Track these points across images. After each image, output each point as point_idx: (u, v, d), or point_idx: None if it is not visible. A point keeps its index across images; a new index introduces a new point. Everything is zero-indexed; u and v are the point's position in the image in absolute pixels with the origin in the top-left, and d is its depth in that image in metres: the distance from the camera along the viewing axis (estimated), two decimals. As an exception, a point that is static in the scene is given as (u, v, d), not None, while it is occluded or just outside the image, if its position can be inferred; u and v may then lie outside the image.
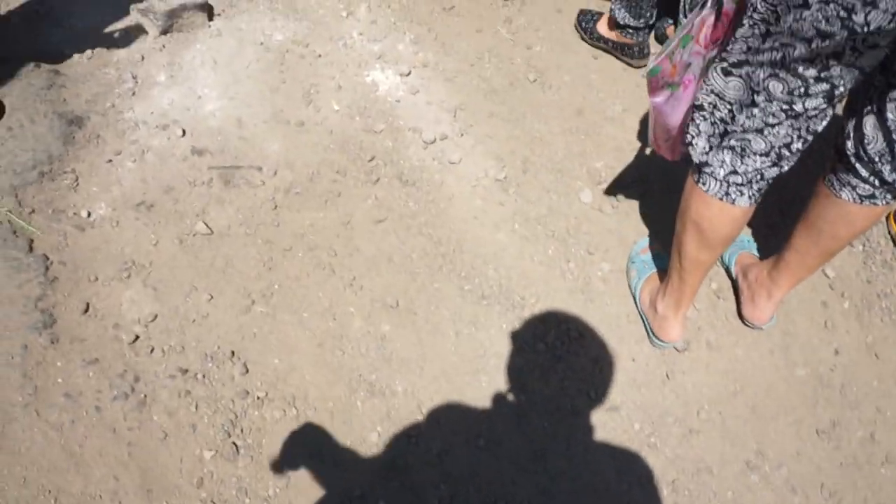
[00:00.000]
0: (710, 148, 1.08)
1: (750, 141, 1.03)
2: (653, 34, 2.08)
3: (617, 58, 2.01)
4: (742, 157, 1.06)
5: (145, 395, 1.42)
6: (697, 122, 1.07)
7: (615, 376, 1.50)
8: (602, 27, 1.99)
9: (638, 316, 1.55)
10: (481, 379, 1.46)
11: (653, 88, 1.11)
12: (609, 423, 1.45)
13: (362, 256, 1.60)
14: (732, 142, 1.05)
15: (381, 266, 1.59)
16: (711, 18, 0.94)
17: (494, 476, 1.36)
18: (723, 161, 1.08)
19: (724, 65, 0.97)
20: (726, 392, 1.51)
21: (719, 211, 1.15)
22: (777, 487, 1.41)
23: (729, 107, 1.00)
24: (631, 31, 1.90)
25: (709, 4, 0.94)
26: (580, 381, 1.49)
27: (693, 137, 1.09)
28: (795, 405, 1.49)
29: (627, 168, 1.78)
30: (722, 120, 1.03)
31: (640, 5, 1.82)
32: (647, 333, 1.50)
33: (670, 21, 2.07)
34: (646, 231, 1.69)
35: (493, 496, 1.34)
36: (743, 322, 1.56)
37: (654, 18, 1.90)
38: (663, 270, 1.48)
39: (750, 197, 1.12)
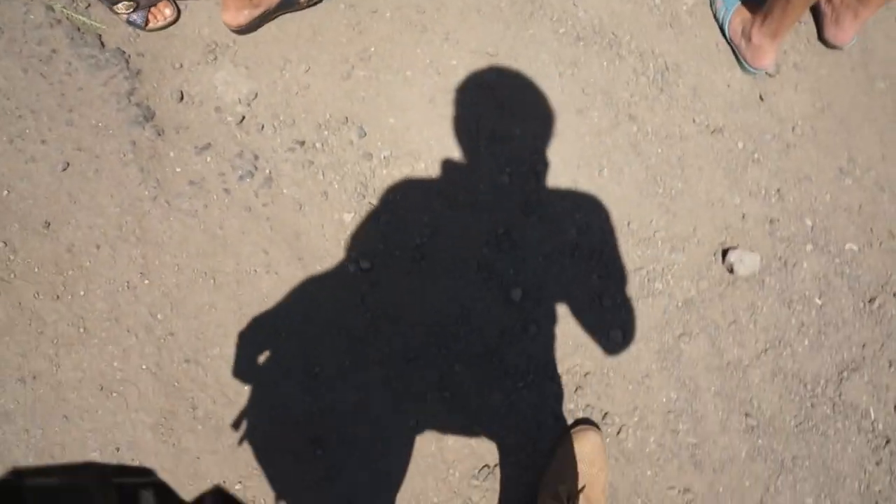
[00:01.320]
0: None
1: None
2: None
3: None
4: None
5: (269, 171, 1.70)
6: None
7: (714, 101, 1.86)
8: None
9: (727, 45, 1.90)
10: (592, 115, 1.80)
11: None
12: (716, 145, 1.83)
13: (450, 11, 1.82)
14: None
15: (471, 19, 1.83)
16: None
17: (619, 200, 1.74)
18: None
19: None
20: (815, 108, 1.90)
21: None
22: (868, 188, 1.84)
23: None
24: None
25: None
26: (683, 108, 1.84)
27: None
28: (877, 115, 1.90)
29: None
30: None
31: None
32: (739, 61, 1.85)
33: None
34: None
35: (622, 218, 1.73)
36: (825, 44, 1.92)
37: None
38: (748, 1, 1.80)
39: None
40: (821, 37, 1.90)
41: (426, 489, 1.55)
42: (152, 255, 1.61)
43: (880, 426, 1.65)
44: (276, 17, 1.69)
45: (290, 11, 1.68)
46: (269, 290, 1.62)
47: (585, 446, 1.48)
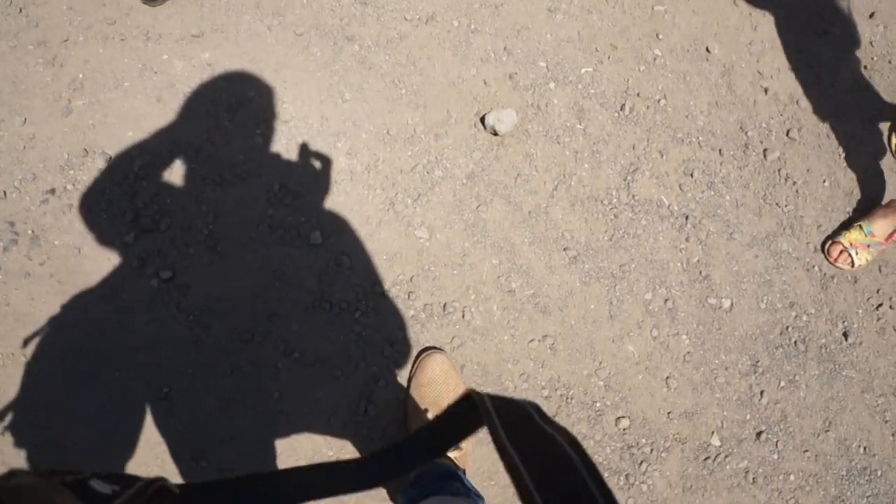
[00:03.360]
0: None
1: None
2: None
3: None
4: None
5: (31, 231, 2.04)
6: None
7: None
8: None
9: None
10: (313, 51, 2.37)
11: None
12: (434, 31, 2.40)
13: (139, 11, 2.29)
14: None
15: (164, 10, 2.29)
16: None
17: (371, 114, 2.31)
18: None
19: None
20: None
21: None
22: (578, 15, 2.53)
23: None
24: None
25: None
26: (392, 11, 2.42)
27: None
28: None
29: None
30: None
31: None
32: None
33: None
34: None
35: (380, 128, 2.34)
36: None
37: None
38: None
39: None
40: None
41: (318, 446, 2.01)
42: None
43: (675, 207, 2.38)
44: None
45: None
46: (85, 342, 2.00)
47: (435, 370, 1.83)
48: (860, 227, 2.15)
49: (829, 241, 2.23)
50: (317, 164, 2.18)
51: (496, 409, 0.50)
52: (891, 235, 2.11)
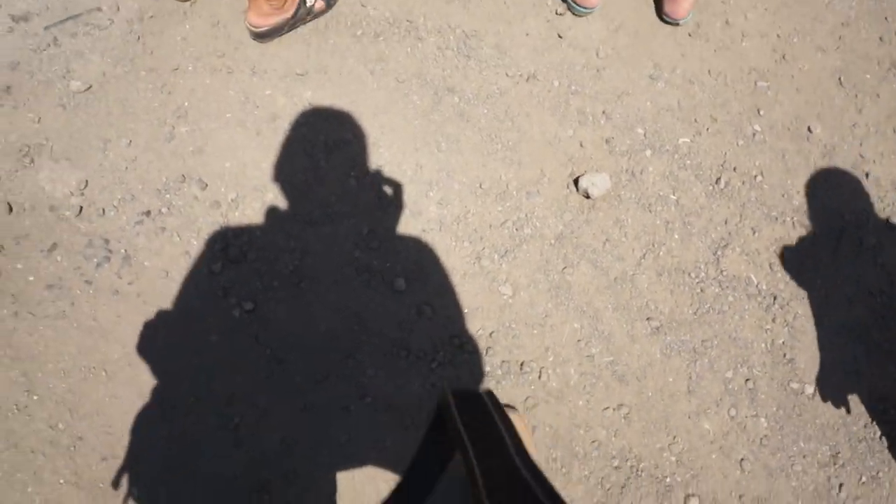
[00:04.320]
0: None
1: None
2: None
3: None
4: None
5: (125, 250, 2.11)
6: None
7: (519, 52, 2.54)
8: None
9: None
10: (413, 99, 2.41)
11: None
12: (534, 90, 2.50)
13: (249, 47, 2.34)
14: None
15: (272, 48, 2.35)
16: None
17: (465, 167, 2.26)
18: None
19: None
20: (609, 30, 2.53)
21: None
22: (679, 85, 2.46)
23: None
24: None
25: None
26: (493, 67, 2.46)
27: None
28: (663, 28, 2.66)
29: None
30: None
31: None
32: (569, 4, 2.49)
33: None
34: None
35: (474, 182, 2.34)
36: (661, 19, 2.63)
37: None
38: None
39: None
40: (659, 13, 2.55)
41: (381, 492, 1.95)
42: (33, 370, 1.95)
43: (764, 286, 2.30)
44: (293, 29, 2.27)
45: (306, 21, 2.26)
46: (162, 363, 1.99)
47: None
48: None
49: None
50: (407, 211, 2.17)
51: (455, 401, 0.60)
52: None
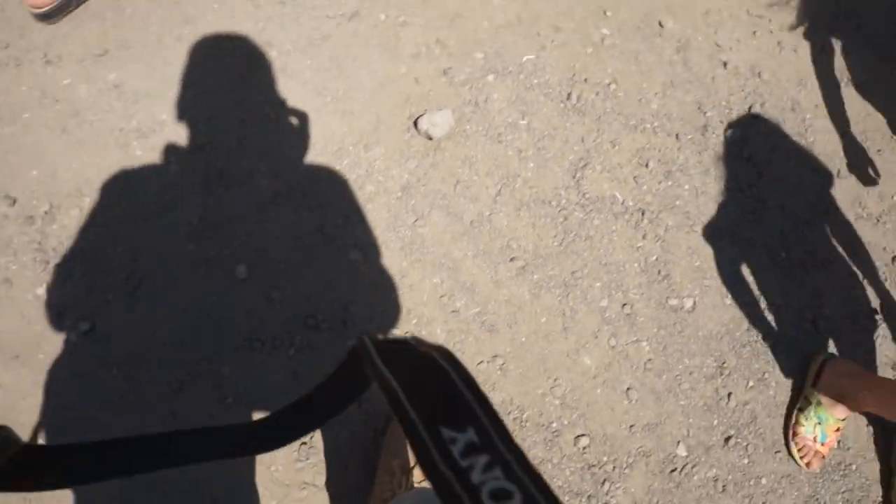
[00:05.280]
0: None
1: None
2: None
3: None
4: None
5: None
6: None
7: None
8: None
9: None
10: (227, 62, 2.18)
11: None
12: (359, 28, 2.20)
13: (34, 31, 2.12)
14: None
15: (63, 28, 2.14)
16: None
17: (292, 128, 2.12)
18: None
19: None
20: None
21: None
22: None
23: None
24: None
25: None
26: (311, 9, 2.23)
27: None
28: None
29: None
30: None
31: None
32: None
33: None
34: None
35: (306, 142, 2.13)
36: None
37: None
38: None
39: None
40: None
41: (263, 497, 1.86)
42: None
43: (630, 202, 2.14)
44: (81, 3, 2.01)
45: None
46: (5, 410, 1.82)
47: None
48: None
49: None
50: (237, 189, 1.99)
51: (374, 345, 0.50)
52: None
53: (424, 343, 0.50)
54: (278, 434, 0.56)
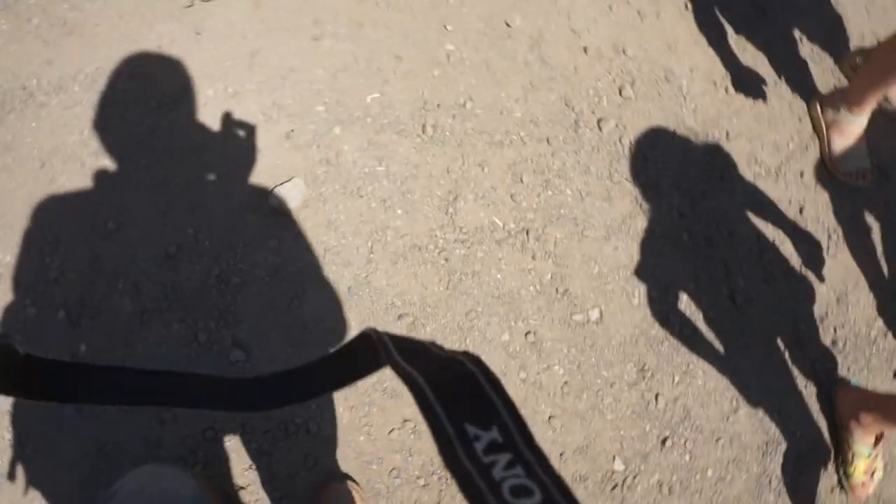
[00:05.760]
0: None
1: None
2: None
3: None
4: None
5: None
6: None
7: (157, 74, 2.11)
8: None
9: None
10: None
11: None
12: (181, 115, 2.09)
13: None
14: None
15: None
16: None
17: None
18: None
19: None
20: (251, 6, 2.15)
21: None
22: (348, 35, 2.14)
23: None
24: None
25: None
26: (135, 102, 2.09)
27: None
28: None
29: None
30: None
31: None
32: None
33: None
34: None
35: None
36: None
37: None
38: None
39: None
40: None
41: None
42: None
43: (512, 225, 2.01)
44: None
45: None
46: None
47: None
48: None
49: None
50: (101, 319, 1.91)
51: (392, 340, 0.51)
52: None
53: (446, 349, 0.50)
54: (271, 394, 0.57)
